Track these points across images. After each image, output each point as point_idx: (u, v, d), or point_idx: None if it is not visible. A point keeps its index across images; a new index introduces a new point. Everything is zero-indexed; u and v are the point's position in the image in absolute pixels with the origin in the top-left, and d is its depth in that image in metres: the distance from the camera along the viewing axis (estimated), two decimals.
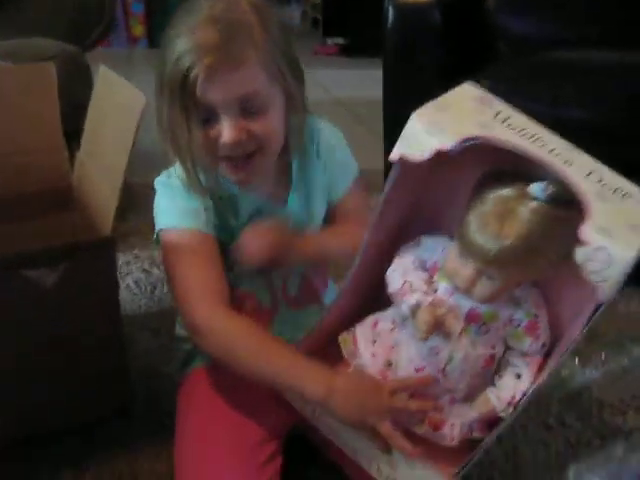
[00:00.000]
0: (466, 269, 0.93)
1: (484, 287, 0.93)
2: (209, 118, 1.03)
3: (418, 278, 0.99)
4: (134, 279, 1.94)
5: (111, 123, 1.34)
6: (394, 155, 0.88)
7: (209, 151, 1.05)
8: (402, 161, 0.88)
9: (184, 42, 1.00)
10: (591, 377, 1.50)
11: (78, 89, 1.77)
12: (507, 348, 1.00)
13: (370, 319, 1.08)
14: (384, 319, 1.06)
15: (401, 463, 0.98)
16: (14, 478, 1.27)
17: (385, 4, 1.89)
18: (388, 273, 1.02)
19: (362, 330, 1.07)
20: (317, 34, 6.14)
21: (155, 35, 5.29)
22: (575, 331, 0.88)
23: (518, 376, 0.98)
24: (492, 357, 1.00)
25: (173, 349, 1.57)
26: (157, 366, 1.57)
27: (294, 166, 1.19)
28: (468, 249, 0.91)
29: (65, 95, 1.58)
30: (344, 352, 1.08)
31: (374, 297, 1.07)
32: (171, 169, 1.14)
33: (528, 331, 0.98)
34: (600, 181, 0.83)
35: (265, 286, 1.21)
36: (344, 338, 1.09)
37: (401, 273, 1.00)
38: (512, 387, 0.98)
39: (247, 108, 1.02)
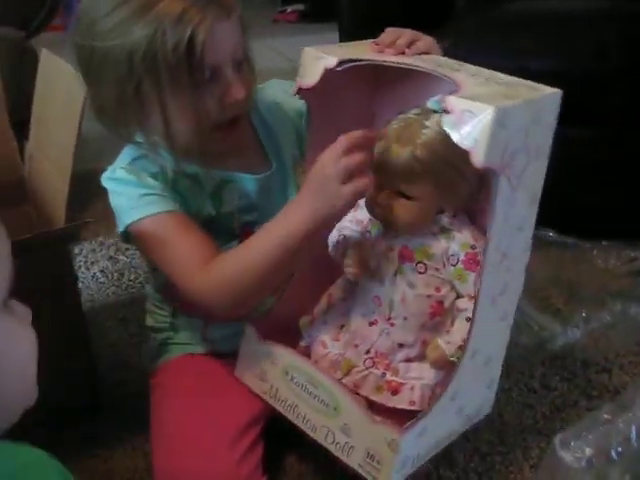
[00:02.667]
0: (380, 193, 0.93)
1: (401, 208, 0.93)
2: (209, 80, 0.99)
3: (352, 231, 1.02)
4: (100, 267, 1.89)
5: (56, 110, 1.29)
6: (294, 89, 1.00)
7: (211, 118, 1.01)
8: (302, 92, 0.99)
9: (171, 9, 0.93)
10: (573, 337, 1.48)
11: (24, 76, 1.70)
12: (458, 296, 0.97)
13: (324, 296, 1.08)
14: (335, 289, 1.06)
15: (355, 427, 0.94)
16: None
17: None
18: (329, 236, 1.04)
19: (318, 308, 1.08)
20: (276, 1, 6.06)
21: None
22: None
23: (469, 319, 0.94)
24: (440, 304, 0.97)
25: (143, 340, 1.54)
26: (126, 356, 1.53)
27: (257, 126, 1.17)
28: (376, 170, 0.92)
29: (11, 83, 1.52)
30: (303, 334, 1.07)
31: (325, 271, 1.08)
32: (115, 163, 1.09)
33: (468, 265, 0.94)
34: (486, 78, 0.90)
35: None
36: (303, 321, 1.09)
37: (338, 230, 1.03)
38: (463, 330, 0.94)
39: (237, 59, 1.01)
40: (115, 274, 1.86)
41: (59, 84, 1.31)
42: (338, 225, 1.04)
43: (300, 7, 5.49)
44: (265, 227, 0.98)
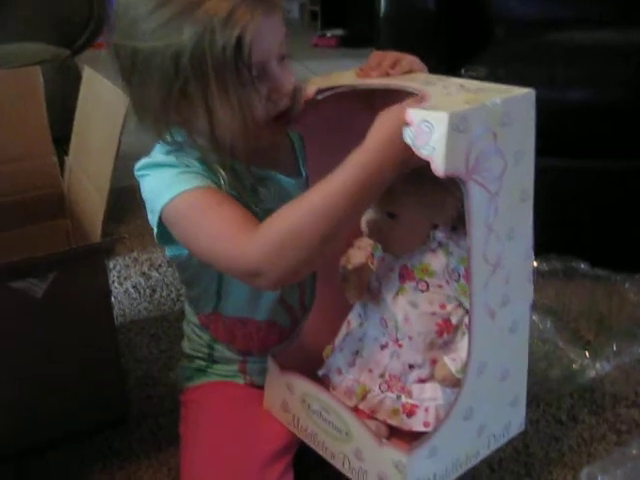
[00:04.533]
0: (369, 214, 0.94)
1: (389, 228, 0.93)
2: (258, 77, 0.95)
3: (357, 256, 1.02)
4: (133, 283, 1.91)
5: (97, 126, 1.31)
6: None
7: (261, 114, 0.97)
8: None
9: (219, 8, 0.90)
10: (603, 370, 1.46)
11: (68, 93, 1.73)
12: (467, 312, 0.94)
13: (344, 323, 1.07)
14: (353, 317, 1.06)
15: (366, 451, 0.94)
16: None
17: None
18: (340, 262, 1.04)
19: (338, 336, 1.08)
20: (316, 26, 6.12)
21: None
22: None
23: None
24: (446, 321, 0.96)
25: (172, 355, 1.55)
26: (156, 373, 1.54)
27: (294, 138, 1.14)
28: None
29: (55, 100, 1.56)
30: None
31: (346, 299, 1.06)
32: (151, 154, 1.04)
33: (469, 279, 0.90)
34: (458, 88, 0.88)
35: (283, 309, 1.15)
36: (327, 350, 1.09)
37: (345, 257, 1.03)
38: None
39: (282, 54, 0.98)
40: (147, 290, 1.88)
41: (100, 101, 1.34)
42: (348, 251, 1.04)
43: (339, 32, 5.53)
44: (327, 177, 0.89)
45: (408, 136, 0.79)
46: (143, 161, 1.02)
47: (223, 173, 1.00)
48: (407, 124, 0.79)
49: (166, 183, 0.97)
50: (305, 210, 0.87)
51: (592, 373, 1.44)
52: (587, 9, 2.12)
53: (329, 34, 5.59)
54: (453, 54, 1.79)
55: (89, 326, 1.27)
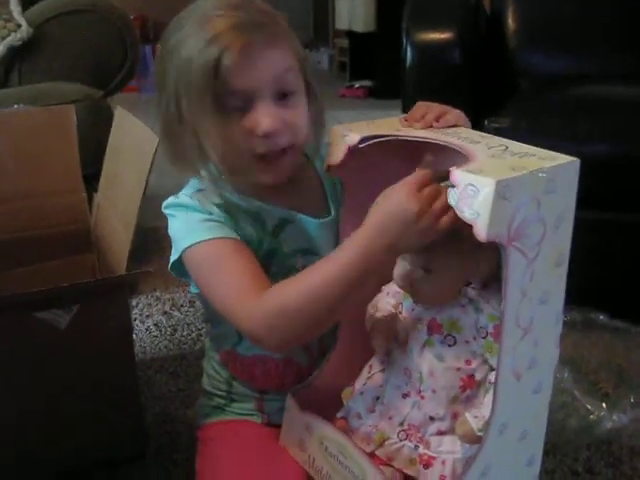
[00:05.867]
0: (404, 266, 0.93)
1: (424, 282, 0.92)
2: (240, 109, 0.96)
3: (386, 303, 1.01)
4: (154, 321, 1.93)
5: (126, 165, 1.34)
6: (324, 168, 1.03)
7: (241, 149, 0.98)
8: (332, 169, 1.01)
9: (209, 30, 0.93)
10: (621, 422, 1.45)
11: (100, 132, 1.77)
12: (492, 369, 0.94)
13: (366, 367, 1.06)
14: (375, 362, 1.05)
15: None
16: None
17: (404, 43, 1.88)
18: (367, 309, 1.03)
19: (359, 379, 1.06)
20: (344, 77, 6.20)
21: None
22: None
23: None
24: (471, 377, 0.95)
25: (190, 393, 1.56)
26: (174, 410, 1.55)
27: (321, 172, 1.13)
28: None
29: (87, 138, 1.59)
30: (344, 405, 1.07)
31: (368, 342, 1.05)
32: (179, 194, 1.07)
33: (497, 337, 0.90)
34: (504, 148, 0.88)
35: (301, 348, 1.14)
36: (345, 392, 1.07)
37: (373, 304, 1.02)
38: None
39: (281, 89, 0.98)
40: (169, 329, 1.90)
41: (131, 141, 1.37)
42: (377, 296, 1.04)
43: (368, 83, 5.58)
44: (328, 258, 0.93)
45: (452, 197, 0.80)
46: (170, 200, 1.06)
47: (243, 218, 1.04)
48: (452, 185, 0.80)
49: (188, 228, 1.02)
50: (305, 289, 0.91)
51: (609, 425, 1.43)
52: (611, 64, 2.15)
53: (357, 85, 5.66)
54: (477, 105, 1.81)
55: (110, 360, 1.28)
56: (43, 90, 2.19)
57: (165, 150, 1.06)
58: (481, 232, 0.77)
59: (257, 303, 0.94)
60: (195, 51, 0.94)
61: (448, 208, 0.82)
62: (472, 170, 0.79)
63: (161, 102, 1.01)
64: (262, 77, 0.96)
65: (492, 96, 1.98)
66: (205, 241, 1.00)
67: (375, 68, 5.48)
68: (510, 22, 2.27)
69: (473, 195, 0.77)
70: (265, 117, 0.96)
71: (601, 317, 1.72)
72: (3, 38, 2.34)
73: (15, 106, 1.85)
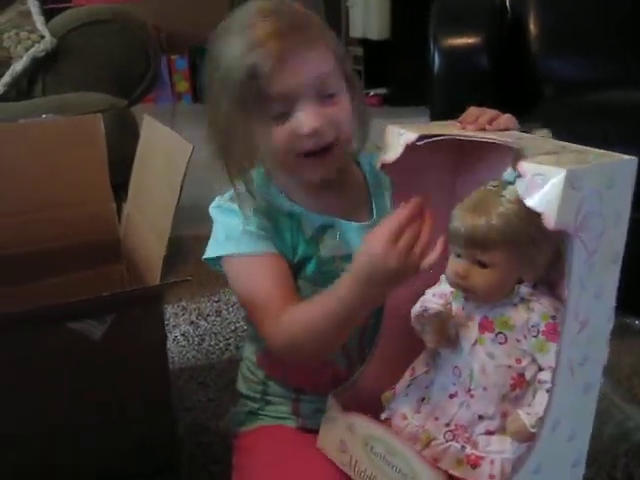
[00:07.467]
0: (458, 262, 0.94)
1: (479, 276, 0.93)
2: (283, 114, 0.99)
3: (434, 303, 1.01)
4: (182, 331, 1.92)
5: (157, 173, 1.34)
6: (378, 164, 1.01)
7: (287, 150, 1.01)
8: (386, 167, 1.00)
9: (247, 36, 0.96)
10: None
11: (126, 142, 1.78)
12: (540, 369, 0.95)
13: (408, 370, 1.06)
14: (418, 364, 1.05)
15: None
16: None
17: (431, 50, 1.88)
18: (412, 309, 1.03)
19: (401, 382, 1.06)
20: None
21: (199, 90, 5.36)
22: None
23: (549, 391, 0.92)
24: (521, 376, 0.95)
25: (219, 404, 1.55)
26: (204, 421, 1.54)
27: (367, 173, 1.16)
28: (453, 240, 0.93)
29: (113, 148, 1.59)
30: (385, 407, 1.06)
31: (409, 346, 1.06)
32: (225, 194, 1.10)
33: (549, 335, 0.92)
34: (561, 146, 0.91)
35: (340, 350, 1.13)
36: (386, 395, 1.07)
37: (420, 303, 1.02)
38: (544, 402, 0.91)
39: (323, 91, 0.99)
40: (196, 339, 1.89)
41: (160, 148, 1.37)
42: (422, 298, 1.03)
43: (383, 91, 5.57)
44: (322, 302, 0.98)
45: (520, 187, 0.81)
46: (215, 201, 1.11)
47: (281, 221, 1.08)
48: (519, 176, 0.82)
49: (229, 236, 1.07)
50: (310, 323, 0.98)
51: None
52: (627, 70, 2.14)
53: (372, 93, 5.65)
54: (503, 111, 1.80)
55: (144, 371, 1.28)
56: (68, 100, 2.19)
57: (212, 153, 1.07)
58: (550, 221, 0.78)
59: (273, 326, 1.01)
60: (234, 60, 0.97)
61: (428, 246, 0.88)
62: (537, 162, 0.81)
63: (208, 107, 1.05)
64: (302, 80, 0.98)
65: (516, 102, 1.97)
66: (242, 255, 1.06)
67: (390, 76, 5.48)
68: (532, 27, 2.25)
69: (542, 184, 0.79)
70: (308, 116, 0.98)
71: (636, 322, 1.71)
72: (27, 49, 2.35)
73: (43, 116, 1.86)
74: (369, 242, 0.91)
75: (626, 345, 1.68)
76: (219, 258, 1.08)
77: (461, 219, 0.93)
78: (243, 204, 1.06)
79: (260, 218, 1.06)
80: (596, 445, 1.28)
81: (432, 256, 0.89)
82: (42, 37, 2.37)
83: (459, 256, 0.95)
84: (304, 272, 1.09)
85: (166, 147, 1.33)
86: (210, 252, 1.09)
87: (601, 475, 1.33)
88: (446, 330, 0.99)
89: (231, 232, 1.06)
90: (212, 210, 1.11)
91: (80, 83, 2.34)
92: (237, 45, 0.97)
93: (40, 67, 2.43)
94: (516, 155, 0.86)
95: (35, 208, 1.52)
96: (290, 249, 1.08)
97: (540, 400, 0.92)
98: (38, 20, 2.39)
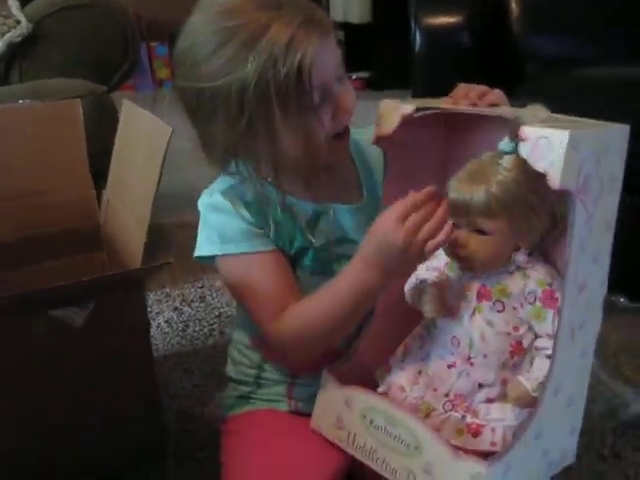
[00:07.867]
0: (456, 232, 0.95)
1: (478, 244, 0.94)
2: (321, 101, 1.00)
3: (430, 275, 1.02)
4: (165, 318, 1.91)
5: (137, 158, 1.32)
6: (372, 139, 1.04)
7: (332, 130, 1.02)
8: (380, 141, 1.03)
9: (279, 36, 0.94)
10: None
11: (105, 129, 1.75)
12: (536, 337, 0.96)
13: (401, 346, 1.07)
14: (413, 338, 1.06)
15: (437, 465, 0.92)
16: None
17: (412, 28, 1.86)
18: (405, 284, 1.04)
19: (394, 357, 1.07)
20: None
21: None
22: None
23: (549, 357, 0.92)
24: (519, 343, 0.96)
25: (205, 390, 1.54)
26: (189, 407, 1.53)
27: (352, 152, 1.16)
28: (451, 211, 0.93)
29: (92, 135, 1.57)
30: (379, 383, 1.06)
31: (403, 322, 1.07)
32: (212, 187, 1.09)
33: (546, 302, 0.94)
34: (555, 118, 0.91)
35: None
36: (379, 372, 1.07)
37: (414, 277, 1.03)
38: (543, 368, 0.92)
39: (340, 74, 1.02)
40: (180, 325, 1.87)
41: (140, 132, 1.34)
42: (415, 272, 1.04)
43: (365, 75, 5.55)
44: (331, 286, 1.00)
45: (523, 151, 0.84)
46: (205, 197, 1.09)
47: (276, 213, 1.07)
48: (522, 140, 0.84)
49: (222, 235, 1.06)
50: (316, 312, 1.01)
51: (635, 409, 1.41)
52: (607, 48, 2.15)
53: (354, 76, 5.63)
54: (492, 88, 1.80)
55: (127, 358, 1.26)
56: (46, 86, 2.16)
57: (208, 156, 1.07)
58: (554, 181, 0.82)
59: (277, 324, 1.03)
60: (268, 62, 0.94)
61: (436, 231, 0.90)
62: (539, 125, 0.84)
63: (206, 121, 1.02)
64: (331, 66, 1.00)
65: (499, 80, 1.96)
66: (237, 254, 1.06)
67: (372, 60, 5.46)
68: (514, 6, 2.24)
69: (545, 146, 0.82)
70: (348, 93, 1.02)
71: (621, 300, 1.71)
72: (2, 34, 2.31)
73: (20, 102, 1.83)
74: (378, 221, 0.94)
75: (612, 322, 1.66)
76: (213, 256, 1.07)
77: (460, 189, 0.94)
78: (235, 198, 1.06)
79: (254, 214, 1.06)
80: (584, 422, 1.28)
81: (439, 237, 0.91)
82: (18, 22, 2.33)
83: (457, 225, 0.95)
84: (302, 262, 1.10)
85: (146, 131, 1.31)
86: (204, 250, 1.08)
87: (589, 453, 1.34)
88: (445, 298, 0.99)
89: (226, 231, 1.06)
90: (202, 207, 1.09)
91: (58, 69, 2.30)
92: (270, 46, 0.94)
93: (17, 53, 2.39)
94: (513, 124, 0.87)
95: (13, 195, 1.49)
96: (287, 242, 1.09)
97: (539, 366, 0.94)
98: (13, 5, 2.35)
